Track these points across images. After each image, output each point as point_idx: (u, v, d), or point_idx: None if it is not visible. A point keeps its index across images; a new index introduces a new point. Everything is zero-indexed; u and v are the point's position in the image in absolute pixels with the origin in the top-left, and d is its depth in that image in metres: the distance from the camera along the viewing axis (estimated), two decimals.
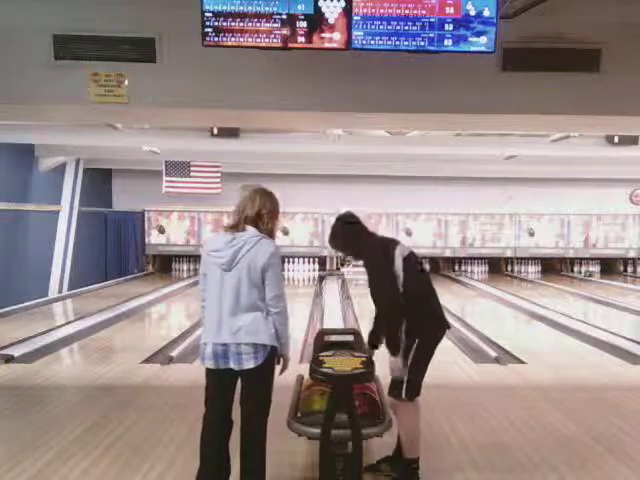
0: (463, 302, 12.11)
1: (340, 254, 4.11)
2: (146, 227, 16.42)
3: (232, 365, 3.17)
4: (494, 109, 5.03)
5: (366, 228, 3.69)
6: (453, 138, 10.74)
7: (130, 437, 4.37)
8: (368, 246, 3.61)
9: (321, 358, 3.30)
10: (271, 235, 3.27)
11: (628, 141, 10.50)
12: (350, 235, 3.65)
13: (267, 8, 4.16)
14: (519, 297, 12.04)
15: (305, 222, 16.47)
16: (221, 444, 3.27)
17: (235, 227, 3.21)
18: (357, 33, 4.18)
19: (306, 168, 14.11)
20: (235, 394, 3.30)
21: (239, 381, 3.27)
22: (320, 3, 4.14)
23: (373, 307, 3.68)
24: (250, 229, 3.20)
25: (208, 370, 3.25)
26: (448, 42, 4.19)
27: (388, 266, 3.49)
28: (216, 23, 4.17)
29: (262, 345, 3.16)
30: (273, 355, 3.23)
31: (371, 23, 4.18)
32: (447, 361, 6.18)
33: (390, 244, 3.62)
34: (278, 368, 3.32)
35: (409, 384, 3.50)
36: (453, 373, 6.09)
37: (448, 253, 16.89)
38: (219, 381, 3.24)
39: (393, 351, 3.47)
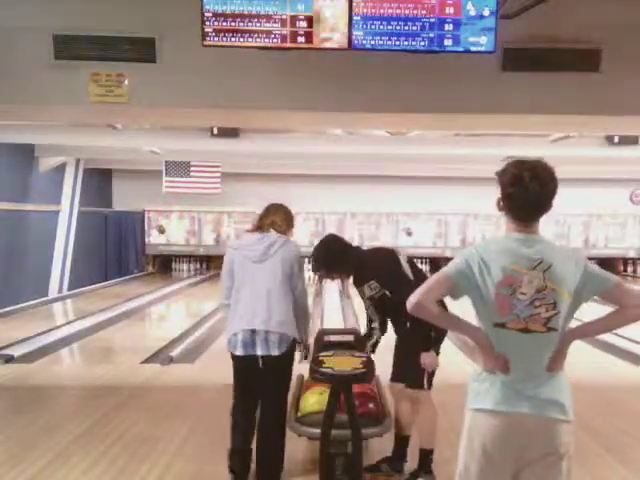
0: (463, 302, 12.05)
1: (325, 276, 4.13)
2: (146, 227, 16.39)
3: (259, 351, 3.41)
4: (494, 109, 5.03)
5: (350, 246, 3.81)
6: (453, 138, 10.73)
7: (130, 437, 4.37)
8: (374, 261, 3.68)
9: (321, 358, 3.30)
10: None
11: (628, 141, 10.47)
12: (336, 256, 3.72)
13: (267, 8, 4.16)
14: None
15: (306, 222, 16.44)
16: (251, 413, 3.54)
17: (260, 228, 3.60)
18: (357, 33, 4.19)
19: (306, 168, 14.08)
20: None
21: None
22: (320, 3, 4.15)
23: None
24: (273, 232, 3.58)
25: (235, 357, 3.48)
26: (448, 42, 4.20)
27: (400, 271, 3.59)
28: (216, 23, 4.17)
29: (287, 335, 3.44)
30: (294, 345, 3.54)
31: (371, 23, 4.18)
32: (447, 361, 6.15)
33: (392, 252, 3.73)
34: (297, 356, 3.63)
35: (430, 374, 3.57)
36: (452, 373, 6.06)
37: (448, 253, 16.85)
38: (246, 365, 3.46)
39: (429, 346, 3.51)
